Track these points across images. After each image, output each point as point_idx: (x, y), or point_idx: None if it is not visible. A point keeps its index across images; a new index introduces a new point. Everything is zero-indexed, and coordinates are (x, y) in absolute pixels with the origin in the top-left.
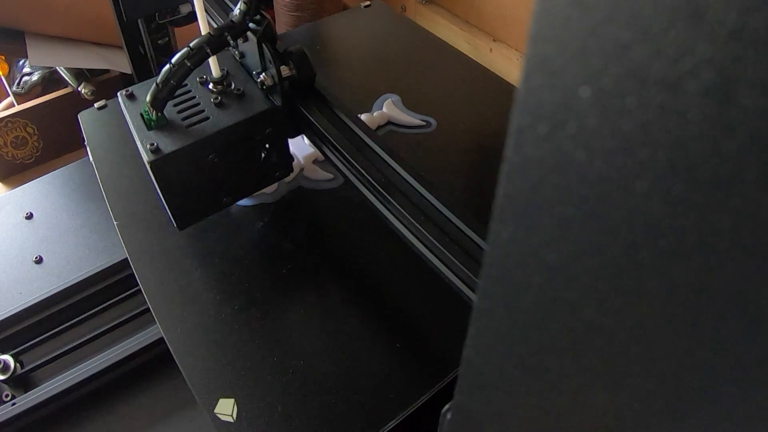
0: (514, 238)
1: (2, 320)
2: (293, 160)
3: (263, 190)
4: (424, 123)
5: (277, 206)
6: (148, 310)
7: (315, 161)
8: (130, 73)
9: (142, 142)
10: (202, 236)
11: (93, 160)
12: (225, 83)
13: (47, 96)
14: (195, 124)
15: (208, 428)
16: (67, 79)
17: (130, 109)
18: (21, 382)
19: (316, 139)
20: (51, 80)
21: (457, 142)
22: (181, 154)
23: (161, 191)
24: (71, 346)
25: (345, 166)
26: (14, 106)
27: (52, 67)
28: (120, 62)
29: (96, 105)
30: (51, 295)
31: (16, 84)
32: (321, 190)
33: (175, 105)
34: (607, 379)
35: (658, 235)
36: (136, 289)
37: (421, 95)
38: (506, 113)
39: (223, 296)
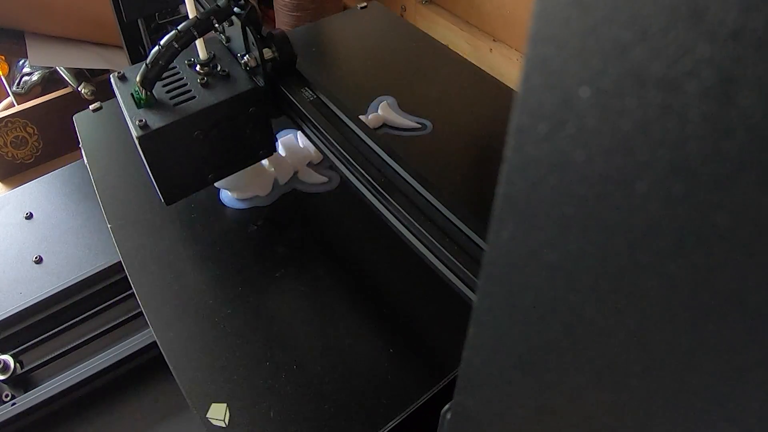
0: (514, 238)
1: (2, 320)
2: (276, 140)
3: (257, 193)
4: (420, 125)
5: (271, 209)
6: None
7: (309, 164)
8: None
9: (131, 119)
10: (196, 239)
11: (87, 162)
12: (211, 65)
13: (47, 96)
14: (182, 102)
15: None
16: (67, 79)
17: (122, 89)
18: (21, 382)
19: (297, 119)
20: (51, 80)
21: (452, 145)
22: (168, 130)
23: (149, 166)
24: (71, 346)
25: (324, 145)
26: (14, 106)
27: (52, 67)
28: (120, 62)
29: (91, 107)
30: (51, 295)
31: (16, 84)
32: (315, 193)
33: (164, 85)
34: (607, 379)
35: (658, 235)
36: None
37: (416, 97)
38: (502, 116)
39: (216, 300)
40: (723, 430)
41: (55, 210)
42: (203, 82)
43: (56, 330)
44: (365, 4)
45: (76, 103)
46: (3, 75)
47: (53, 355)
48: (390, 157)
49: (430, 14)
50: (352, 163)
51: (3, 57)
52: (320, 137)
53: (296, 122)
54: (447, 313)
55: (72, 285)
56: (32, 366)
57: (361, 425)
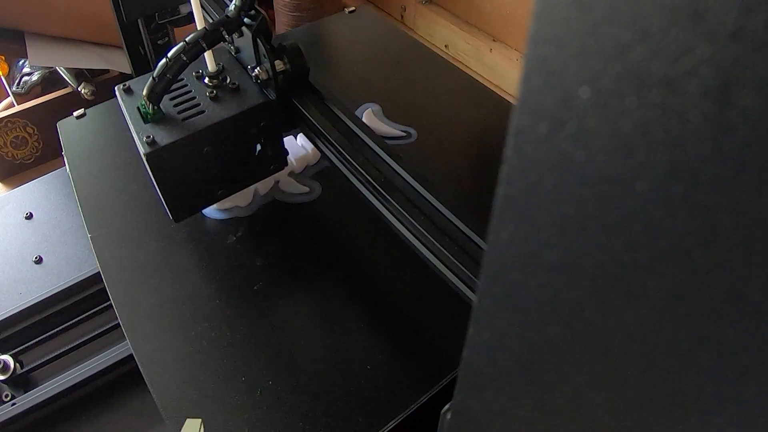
0: (514, 238)
1: (2, 320)
2: (288, 153)
3: (237, 203)
4: (405, 134)
5: (250, 220)
6: None
7: (291, 174)
8: (130, 73)
9: (138, 135)
10: (176, 250)
11: (69, 170)
12: (220, 77)
13: (47, 96)
14: (191, 117)
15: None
16: (67, 79)
17: (127, 103)
18: (21, 382)
19: (310, 132)
20: (51, 80)
21: (437, 154)
22: (176, 147)
23: (157, 183)
24: (71, 346)
25: (338, 158)
26: (14, 106)
27: (52, 67)
28: (120, 62)
29: (75, 114)
30: (51, 295)
31: (16, 84)
32: (296, 204)
33: (172, 99)
34: (607, 379)
35: (658, 235)
36: None
37: (402, 105)
38: (489, 123)
39: (194, 313)
40: (723, 431)
41: (55, 210)
42: (212, 95)
43: (56, 330)
44: (353, 8)
45: (76, 103)
46: (3, 75)
47: (53, 355)
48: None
49: (430, 14)
50: (368, 180)
51: (3, 57)
52: (335, 153)
53: (309, 136)
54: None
55: (72, 285)
56: (32, 366)
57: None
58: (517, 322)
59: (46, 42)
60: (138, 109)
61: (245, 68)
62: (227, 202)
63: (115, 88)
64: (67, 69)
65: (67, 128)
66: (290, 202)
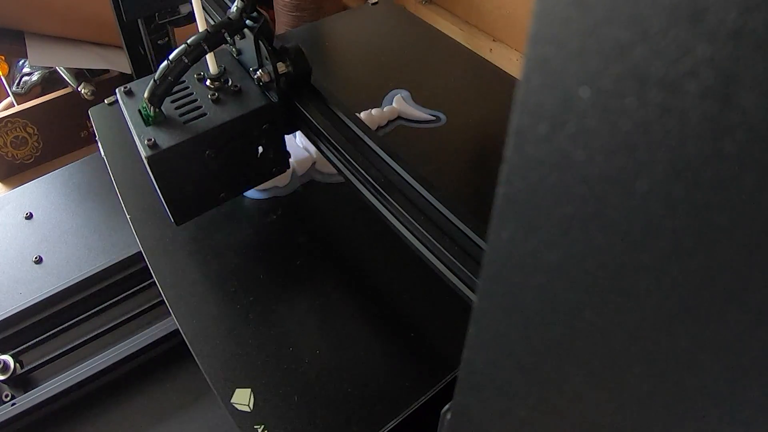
0: (514, 238)
1: (2, 320)
2: (290, 156)
3: (276, 184)
4: (434, 118)
5: (289, 199)
6: (148, 310)
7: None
8: (130, 73)
9: (139, 138)
10: (216, 229)
11: (105, 155)
12: (222, 80)
13: (47, 96)
14: (192, 120)
15: (208, 428)
16: (67, 79)
17: (129, 105)
18: (21, 382)
19: (312, 135)
20: (51, 80)
21: (466, 137)
22: (178, 150)
23: (159, 186)
24: (71, 346)
25: (340, 161)
26: (14, 106)
27: (52, 67)
28: (120, 62)
29: (106, 101)
30: (51, 295)
31: (16, 84)
32: (333, 184)
33: (173, 101)
34: (606, 380)
35: (658, 235)
36: (136, 289)
37: (430, 91)
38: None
39: (237, 288)
40: (723, 431)
41: (55, 210)
42: (214, 97)
43: (56, 330)
44: (376, 0)
45: (76, 103)
46: (3, 75)
47: (53, 355)
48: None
49: (430, 14)
50: (364, 176)
51: (3, 57)
52: (337, 155)
53: (311, 138)
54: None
55: (72, 285)
56: (32, 366)
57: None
58: (517, 322)
59: (46, 42)
60: (139, 111)
61: (247, 70)
62: (266, 183)
63: (116, 90)
64: (67, 69)
65: (100, 115)
66: (327, 182)
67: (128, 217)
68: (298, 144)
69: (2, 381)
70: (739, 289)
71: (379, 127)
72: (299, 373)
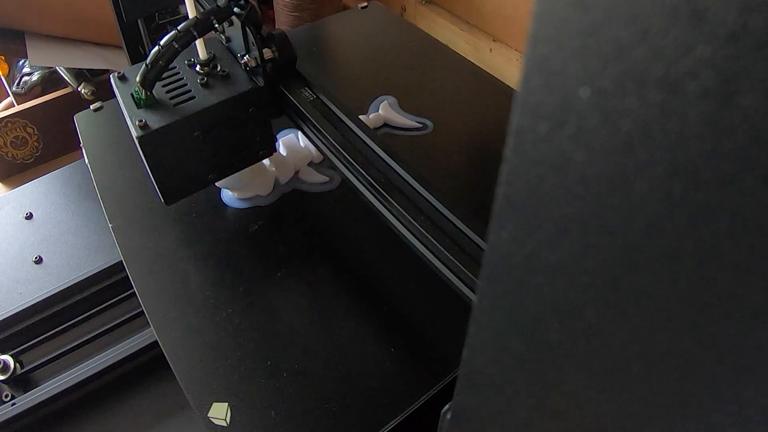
0: (514, 238)
1: (2, 320)
2: (276, 140)
3: (258, 192)
4: (421, 125)
5: (272, 209)
6: None
7: (310, 163)
8: None
9: (131, 119)
10: (198, 239)
11: (88, 161)
12: (211, 65)
13: (47, 96)
14: (182, 102)
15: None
16: (67, 79)
17: (122, 90)
18: (21, 382)
19: (297, 118)
20: (51, 80)
21: (453, 144)
22: (167, 130)
23: (149, 166)
24: (71, 346)
25: (324, 144)
26: (14, 106)
27: (52, 67)
28: (120, 62)
29: (92, 107)
30: (51, 295)
31: (16, 84)
32: (316, 193)
33: (164, 85)
34: (606, 379)
35: (658, 235)
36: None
37: (417, 97)
38: (503, 115)
39: (218, 299)
40: (723, 431)
41: (55, 210)
42: (203, 82)
43: (56, 330)
44: (366, 3)
45: (76, 103)
46: (3, 75)
47: (53, 355)
48: (390, 157)
49: (430, 14)
50: (351, 163)
51: (3, 57)
52: (320, 137)
53: (296, 122)
54: (447, 313)
55: (72, 285)
56: (32, 366)
57: (362, 425)
58: (517, 322)
59: (46, 42)
60: (131, 95)
61: (235, 56)
62: (248, 191)
63: (110, 75)
64: (67, 69)
65: (84, 121)
66: (310, 191)
67: (110, 225)
68: (281, 153)
69: (2, 381)
70: (739, 289)
71: None
72: (277, 388)
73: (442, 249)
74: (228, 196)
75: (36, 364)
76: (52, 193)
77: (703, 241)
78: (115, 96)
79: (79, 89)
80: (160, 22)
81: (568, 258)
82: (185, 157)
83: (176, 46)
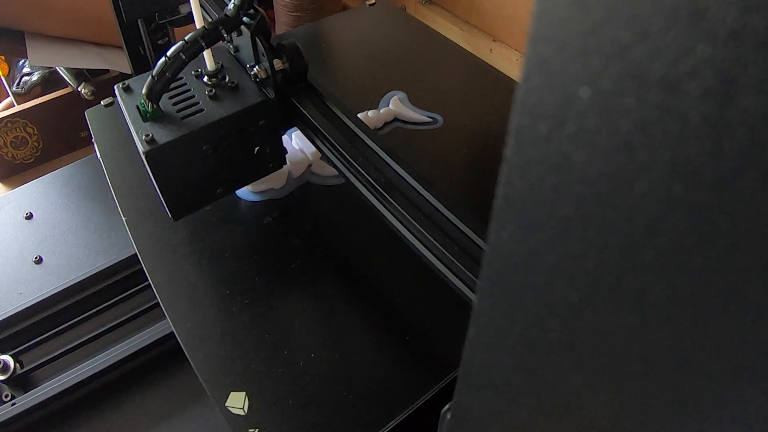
0: (514, 238)
1: (2, 320)
2: (286, 152)
3: (272, 186)
4: (431, 119)
5: (285, 202)
6: (148, 310)
7: (323, 156)
8: (130, 73)
9: (137, 133)
10: (211, 231)
11: (101, 157)
12: (219, 76)
13: (47, 96)
14: (190, 115)
15: (208, 429)
16: (67, 79)
17: (127, 102)
18: (21, 382)
19: (309, 131)
20: (51, 80)
21: (463, 138)
22: (175, 145)
23: (156, 181)
24: (71, 346)
25: (337, 158)
26: (14, 106)
27: (52, 67)
28: (120, 62)
29: (103, 102)
30: (51, 295)
31: (16, 84)
32: (329, 186)
33: (171, 97)
34: (606, 380)
35: (658, 235)
36: (136, 289)
37: (427, 92)
38: (510, 108)
39: (232, 291)
40: (723, 431)
41: (55, 210)
42: (211, 94)
43: (56, 330)
44: (374, 1)
45: (76, 103)
46: (3, 75)
47: (53, 355)
48: (390, 157)
49: (430, 14)
50: (360, 172)
51: (3, 57)
52: (334, 151)
53: (308, 134)
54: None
55: (72, 285)
56: (32, 366)
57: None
58: (517, 322)
59: (46, 42)
60: (137, 107)
61: (244, 67)
62: (262, 185)
63: (114, 86)
64: (67, 69)
65: (96, 116)
66: (323, 184)
67: (124, 219)
68: (294, 146)
69: (2, 381)
70: (739, 289)
71: (376, 129)
72: (294, 377)
73: (442, 249)
74: (241, 189)
75: (36, 364)
76: (52, 193)
77: (703, 241)
78: (119, 107)
79: (79, 89)
80: (160, 22)
81: (568, 258)
82: (193, 171)
83: (183, 57)
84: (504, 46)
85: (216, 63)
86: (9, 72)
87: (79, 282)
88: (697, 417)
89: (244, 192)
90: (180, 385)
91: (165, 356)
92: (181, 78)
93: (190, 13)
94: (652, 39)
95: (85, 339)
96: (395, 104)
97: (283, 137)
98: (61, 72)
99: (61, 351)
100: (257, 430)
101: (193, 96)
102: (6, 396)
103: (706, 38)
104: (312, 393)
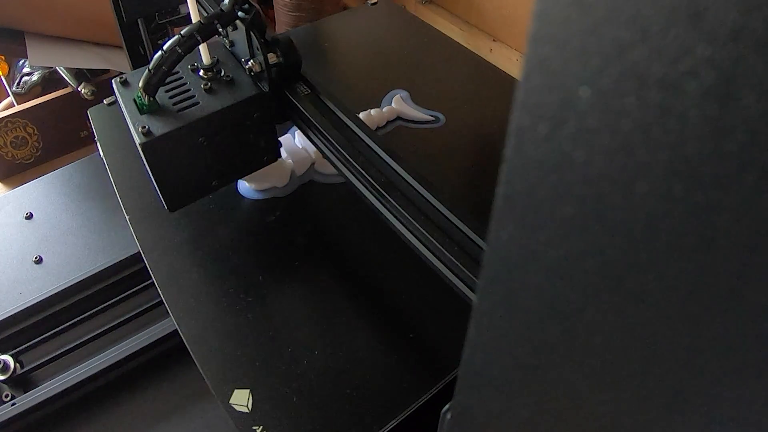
0: (514, 238)
1: (2, 320)
2: (281, 145)
3: (275, 184)
4: (433, 118)
5: (288, 200)
6: (148, 310)
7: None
8: None
9: (134, 125)
10: (215, 230)
11: (104, 155)
12: (215, 70)
13: (47, 96)
14: (186, 108)
15: (208, 429)
16: (67, 79)
17: (124, 95)
18: (21, 382)
19: (302, 124)
20: (51, 80)
21: (465, 137)
22: (171, 137)
23: (152, 173)
24: (71, 346)
25: (329, 150)
26: (14, 106)
27: (52, 67)
28: (120, 62)
29: (105, 101)
30: (51, 295)
31: (16, 84)
32: (332, 184)
33: (167, 91)
34: (606, 380)
35: (658, 235)
36: (136, 289)
37: (429, 91)
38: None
39: (236, 289)
40: (723, 430)
41: (55, 210)
42: (207, 87)
43: (56, 330)
44: (376, 0)
45: (76, 103)
46: (3, 75)
47: (53, 355)
48: (390, 157)
49: (430, 14)
50: (355, 167)
51: (3, 57)
52: (326, 143)
53: (301, 127)
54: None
55: (72, 285)
56: (32, 366)
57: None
58: (517, 322)
59: (46, 42)
60: (134, 100)
61: (239, 61)
62: (265, 183)
63: (112, 80)
64: (67, 69)
65: (98, 115)
66: (327, 183)
67: (127, 217)
68: (297, 144)
69: (2, 381)
70: (739, 288)
71: (378, 128)
72: (298, 374)
73: (442, 249)
74: (245, 187)
75: (36, 364)
76: (52, 193)
77: (703, 241)
78: (117, 101)
79: (79, 89)
80: (160, 22)
81: (568, 258)
82: (189, 163)
83: (180, 50)
84: (504, 46)
85: (212, 57)
86: (9, 72)
87: (79, 282)
88: (697, 417)
89: (248, 190)
90: (180, 385)
91: (165, 356)
92: (178, 72)
93: (189, 13)
94: (652, 39)
95: (85, 339)
96: (397, 103)
97: (287, 135)
98: (61, 72)
99: (61, 351)
100: (261, 427)
101: (189, 89)
102: (6, 396)
103: (706, 38)
104: (315, 391)
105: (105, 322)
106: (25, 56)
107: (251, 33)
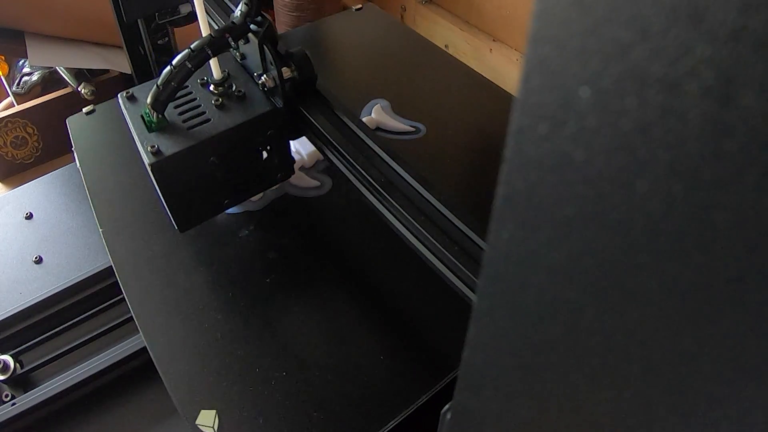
0: (514, 238)
1: (2, 320)
2: (294, 161)
3: (249, 198)
4: (413, 129)
5: (262, 214)
6: None
7: (301, 168)
8: (130, 73)
9: (143, 144)
10: (188, 244)
11: (80, 165)
12: (226, 85)
13: (47, 96)
14: (196, 126)
15: None
16: (67, 79)
17: (131, 111)
18: (21, 382)
19: (317, 140)
20: (51, 80)
21: (446, 148)
22: (182, 157)
23: (162, 193)
24: (71, 346)
25: (346, 167)
26: (14, 106)
27: (52, 67)
28: (120, 62)
29: (84, 110)
30: (51, 295)
31: (16, 84)
32: (307, 198)
33: (176, 107)
34: (606, 379)
35: (658, 235)
36: None
37: (410, 101)
38: (496, 119)
39: (207, 306)
40: (723, 430)
41: (55, 210)
42: (218, 103)
43: (56, 330)
44: (360, 5)
45: (76, 103)
46: (3, 75)
47: (53, 355)
48: (390, 157)
49: (430, 14)
50: (374, 186)
51: (3, 57)
52: (344, 161)
53: (317, 144)
54: (447, 313)
55: (72, 285)
56: (32, 366)
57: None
58: (517, 322)
59: (46, 42)
60: (142, 117)
61: (251, 75)
62: None
63: (118, 95)
64: (67, 69)
65: (76, 124)
66: (301, 196)
67: (100, 230)
68: None
69: (2, 381)
70: (739, 288)
71: None
72: (266, 395)
73: (442, 249)
74: None
75: (36, 364)
76: (52, 193)
77: (703, 241)
78: (122, 113)
79: (79, 89)
80: (160, 22)
81: (568, 258)
82: (200, 183)
83: (189, 65)
84: (504, 46)
85: (222, 71)
86: (9, 72)
87: (79, 282)
88: (698, 416)
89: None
90: None
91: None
92: (187, 87)
93: (191, 13)
94: (652, 39)
95: (85, 339)
96: (377, 113)
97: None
98: (61, 72)
99: (61, 351)
100: None
101: (200, 105)
102: (6, 396)
103: (706, 38)
104: (283, 412)
105: (105, 322)
106: (25, 56)
107: (264, 47)
